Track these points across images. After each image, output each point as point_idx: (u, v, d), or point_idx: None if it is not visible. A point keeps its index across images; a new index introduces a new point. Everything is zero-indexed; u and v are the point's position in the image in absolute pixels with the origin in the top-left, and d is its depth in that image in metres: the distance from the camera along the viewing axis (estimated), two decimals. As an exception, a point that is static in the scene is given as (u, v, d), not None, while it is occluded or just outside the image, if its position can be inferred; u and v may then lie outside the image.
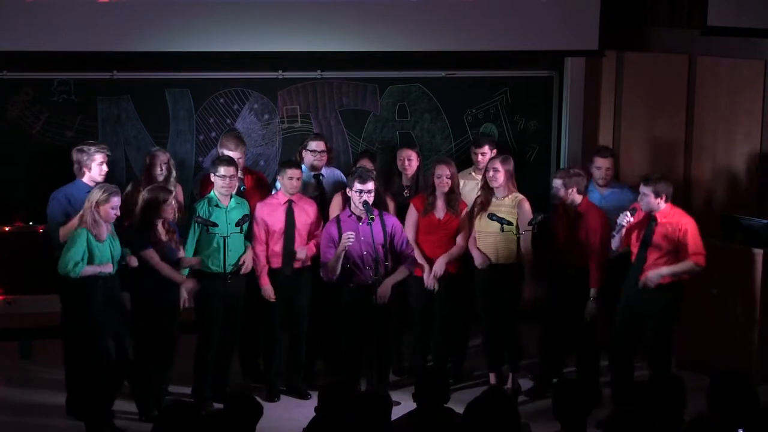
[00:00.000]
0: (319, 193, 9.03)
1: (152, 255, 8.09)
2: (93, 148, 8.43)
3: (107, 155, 8.46)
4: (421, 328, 8.96)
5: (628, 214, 8.25)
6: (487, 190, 8.72)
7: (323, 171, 9.13)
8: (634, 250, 8.37)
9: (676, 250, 8.23)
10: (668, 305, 8.31)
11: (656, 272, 8.21)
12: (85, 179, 8.38)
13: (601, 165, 9.31)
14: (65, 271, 7.84)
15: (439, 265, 8.76)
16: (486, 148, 9.31)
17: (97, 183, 8.29)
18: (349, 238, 8.23)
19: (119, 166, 9.41)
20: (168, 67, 9.89)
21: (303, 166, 9.00)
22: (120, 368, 8.10)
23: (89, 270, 7.87)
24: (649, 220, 8.27)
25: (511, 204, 8.64)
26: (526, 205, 8.67)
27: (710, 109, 10.16)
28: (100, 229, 7.90)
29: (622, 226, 8.27)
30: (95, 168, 8.38)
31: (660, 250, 8.25)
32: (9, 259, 9.61)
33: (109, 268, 7.90)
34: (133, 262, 8.08)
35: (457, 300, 8.94)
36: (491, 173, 8.66)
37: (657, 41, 10.46)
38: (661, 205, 8.21)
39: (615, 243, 8.42)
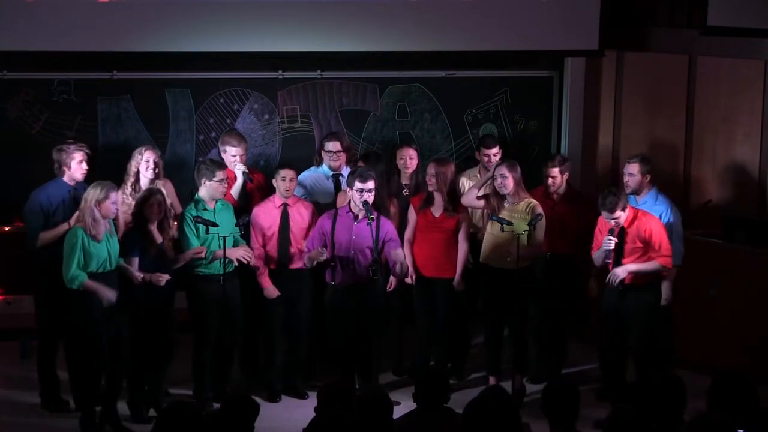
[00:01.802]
0: (337, 193, 9.01)
1: (133, 263, 8.12)
2: (72, 147, 8.47)
3: (86, 153, 8.48)
4: (424, 328, 8.94)
5: (612, 238, 8.32)
6: (497, 196, 8.73)
7: (343, 171, 9.12)
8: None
9: (646, 251, 8.37)
10: (648, 306, 8.42)
11: (623, 268, 8.38)
12: (65, 178, 8.41)
13: (624, 171, 8.90)
14: (69, 285, 7.86)
15: (458, 282, 8.78)
16: (496, 149, 9.35)
17: (79, 182, 8.36)
18: (320, 253, 8.30)
19: (119, 167, 9.37)
20: (168, 67, 9.89)
21: (324, 167, 9.07)
22: (118, 371, 8.10)
23: (90, 285, 7.85)
24: (620, 228, 8.38)
25: (524, 210, 8.64)
26: (540, 210, 8.68)
27: (710, 109, 10.16)
28: (99, 228, 7.88)
29: (610, 250, 8.36)
30: (75, 166, 8.40)
31: (632, 253, 8.39)
32: (9, 259, 9.60)
33: (112, 296, 7.86)
34: (162, 280, 8.11)
35: (459, 300, 8.94)
36: (499, 181, 8.66)
37: (657, 41, 10.45)
38: (624, 214, 8.31)
39: (599, 260, 8.52)
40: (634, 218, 8.38)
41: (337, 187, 9.07)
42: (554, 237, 8.86)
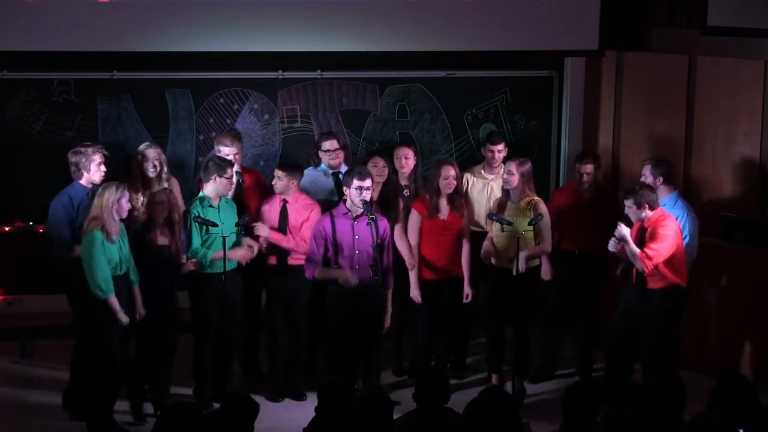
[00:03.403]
0: (338, 192, 9.01)
1: None
2: (90, 149, 8.40)
3: (105, 155, 8.46)
4: (426, 329, 8.93)
5: (621, 225, 8.14)
6: (504, 192, 8.75)
7: (341, 169, 9.13)
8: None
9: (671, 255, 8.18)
10: (666, 309, 8.26)
11: (626, 234, 8.05)
12: (83, 181, 8.35)
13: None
14: (94, 293, 7.82)
15: (469, 288, 8.77)
16: (502, 146, 9.37)
17: (95, 184, 8.29)
18: (351, 279, 8.26)
19: (119, 167, 9.39)
20: (168, 67, 9.89)
21: (322, 166, 9.08)
22: (121, 370, 8.09)
23: (113, 304, 7.83)
24: (640, 227, 8.25)
25: (526, 207, 8.64)
26: (542, 207, 8.67)
27: (710, 109, 10.15)
28: (116, 228, 7.89)
29: (617, 239, 8.13)
30: (94, 168, 8.35)
31: None
32: (9, 259, 9.61)
33: (125, 320, 7.88)
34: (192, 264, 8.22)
35: (460, 302, 8.92)
36: (506, 176, 8.68)
37: (657, 41, 10.45)
38: (648, 214, 8.15)
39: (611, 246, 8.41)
40: (658, 219, 8.17)
41: (338, 184, 9.07)
42: (583, 234, 8.85)
